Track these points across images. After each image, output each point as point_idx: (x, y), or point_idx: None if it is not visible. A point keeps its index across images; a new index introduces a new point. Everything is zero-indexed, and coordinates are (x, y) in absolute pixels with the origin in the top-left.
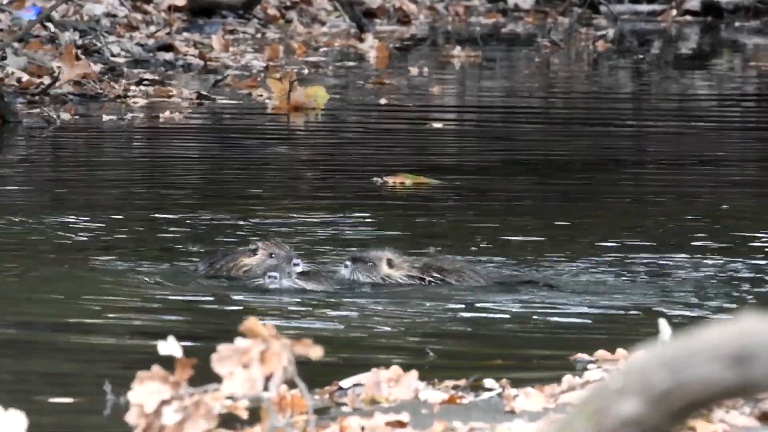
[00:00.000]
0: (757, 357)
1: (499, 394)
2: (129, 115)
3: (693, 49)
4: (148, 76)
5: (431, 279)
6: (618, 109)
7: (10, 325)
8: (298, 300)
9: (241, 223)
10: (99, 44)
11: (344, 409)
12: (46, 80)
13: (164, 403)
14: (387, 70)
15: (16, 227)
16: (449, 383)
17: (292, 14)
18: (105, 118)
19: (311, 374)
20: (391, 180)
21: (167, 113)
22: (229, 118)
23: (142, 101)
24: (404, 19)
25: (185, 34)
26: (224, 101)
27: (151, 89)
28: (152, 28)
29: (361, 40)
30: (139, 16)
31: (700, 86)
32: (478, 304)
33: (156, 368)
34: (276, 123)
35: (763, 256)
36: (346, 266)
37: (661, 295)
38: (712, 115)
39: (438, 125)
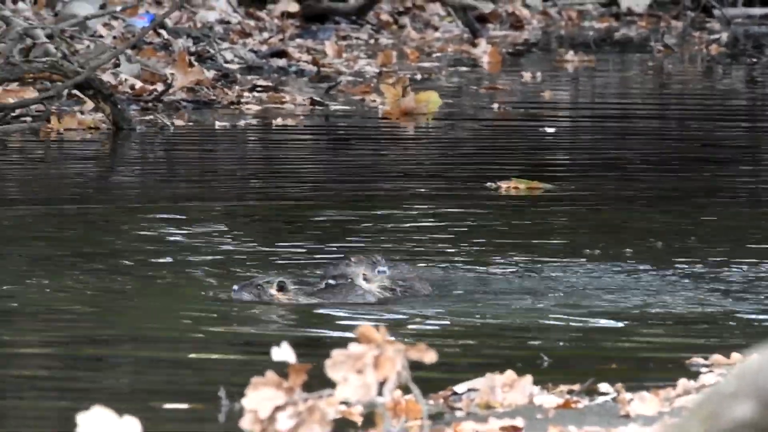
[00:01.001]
0: None
1: (614, 399)
2: (242, 122)
3: None
4: (261, 82)
5: (399, 289)
6: (732, 110)
7: (127, 334)
8: (403, 307)
9: (357, 227)
10: (212, 51)
11: (459, 414)
12: (160, 87)
13: (278, 408)
14: (500, 75)
15: (131, 235)
16: (564, 387)
17: (405, 20)
18: (217, 124)
19: (425, 379)
20: (504, 185)
21: (279, 119)
22: (341, 124)
23: (255, 107)
24: (517, 24)
25: (298, 41)
26: (337, 107)
27: (264, 95)
28: (265, 35)
29: (474, 45)
30: (252, 23)
31: None
32: (590, 309)
33: (270, 374)
34: (388, 128)
35: None
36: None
37: None
38: None
39: (551, 129)
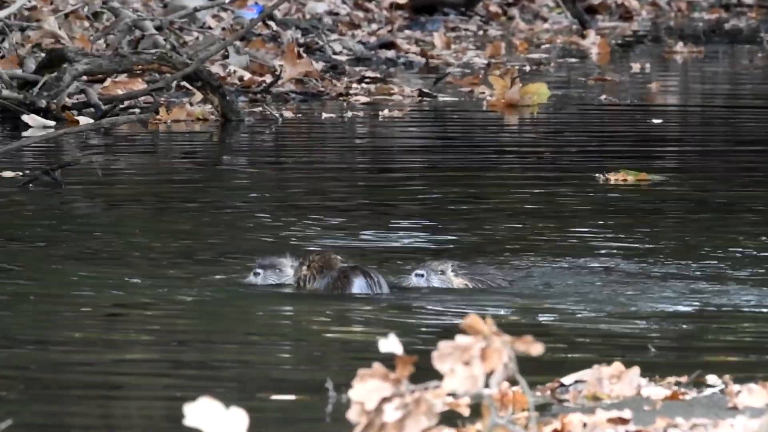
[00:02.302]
0: None
1: (722, 390)
2: (349, 113)
3: None
4: (369, 73)
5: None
6: None
7: (238, 327)
8: (504, 297)
9: (465, 218)
10: (321, 42)
11: (566, 405)
12: (268, 78)
13: (385, 400)
14: (609, 66)
15: (239, 228)
16: (671, 379)
17: (514, 11)
18: (324, 116)
19: (532, 371)
20: (613, 176)
21: (386, 111)
22: (449, 116)
23: (363, 99)
24: (626, 15)
25: (407, 32)
26: (446, 98)
27: (372, 87)
28: (374, 26)
29: (583, 37)
30: (360, 14)
31: None
32: (699, 300)
33: (377, 366)
34: (493, 120)
35: None
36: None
37: None
38: None
39: (658, 121)
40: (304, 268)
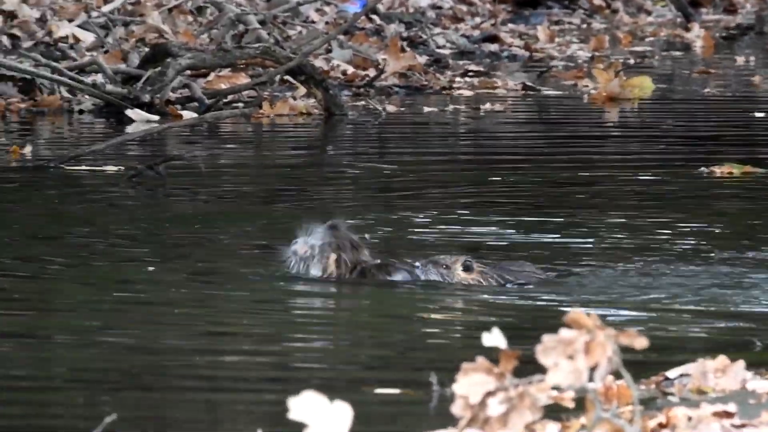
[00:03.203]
0: None
1: None
2: (451, 107)
3: None
4: (473, 67)
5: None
6: None
7: (344, 319)
8: (608, 290)
9: (576, 220)
10: (424, 36)
11: (671, 399)
12: (372, 72)
13: (489, 394)
14: (713, 59)
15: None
16: None
17: (618, 4)
18: (426, 109)
19: (636, 364)
20: (718, 170)
21: (488, 105)
22: (551, 109)
23: (467, 93)
24: (730, 8)
25: (510, 25)
26: (549, 92)
27: (476, 81)
28: (477, 20)
29: (687, 30)
30: (464, 8)
31: None
32: None
33: (481, 360)
34: (595, 113)
35: None
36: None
37: None
38: None
39: (761, 114)
40: (332, 260)
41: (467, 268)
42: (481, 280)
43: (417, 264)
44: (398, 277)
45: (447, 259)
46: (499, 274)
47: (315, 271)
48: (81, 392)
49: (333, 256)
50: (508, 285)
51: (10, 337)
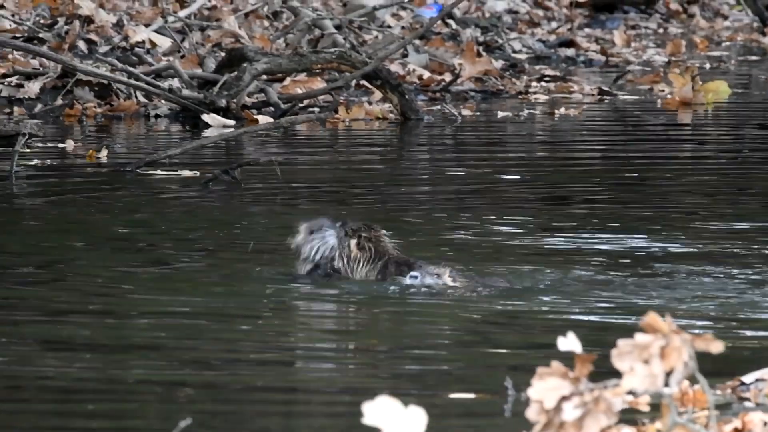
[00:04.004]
0: None
1: None
2: (525, 111)
3: None
4: (549, 72)
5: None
6: None
7: (420, 324)
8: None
9: (652, 226)
10: (500, 41)
11: (746, 404)
12: (447, 77)
13: (564, 398)
14: None
15: (418, 225)
16: None
17: (695, 9)
18: (500, 114)
19: (712, 370)
20: None
21: (562, 109)
22: (626, 114)
23: (543, 97)
24: None
25: (587, 30)
26: (625, 97)
27: (552, 85)
28: (553, 24)
29: (764, 34)
30: (540, 13)
31: None
32: None
33: (556, 364)
34: (669, 118)
35: None
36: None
37: None
38: None
39: None
40: (354, 245)
41: (454, 279)
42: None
43: (414, 274)
44: (408, 280)
45: (436, 269)
46: (483, 283)
47: (339, 263)
48: (156, 402)
49: (353, 242)
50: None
51: (85, 344)
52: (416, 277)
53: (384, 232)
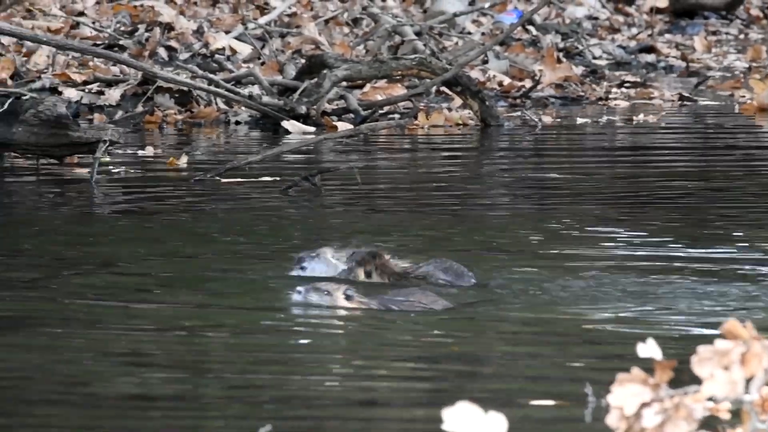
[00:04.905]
0: None
1: None
2: (605, 117)
3: None
4: (629, 78)
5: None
6: None
7: (496, 330)
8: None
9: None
10: (581, 47)
11: None
12: (528, 83)
13: (644, 405)
14: None
15: (497, 231)
16: None
17: None
18: (579, 120)
19: None
20: None
21: (641, 115)
22: (703, 119)
23: (623, 103)
24: None
25: (667, 36)
26: (706, 102)
27: (632, 91)
28: (634, 30)
29: None
30: (620, 19)
31: None
32: None
33: (636, 370)
34: (749, 124)
35: None
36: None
37: None
38: None
39: None
40: (364, 272)
41: (348, 297)
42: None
43: (299, 289)
44: (294, 296)
45: (329, 286)
46: (382, 303)
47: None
48: (238, 409)
49: (360, 270)
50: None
51: (165, 356)
52: (300, 293)
53: (388, 257)
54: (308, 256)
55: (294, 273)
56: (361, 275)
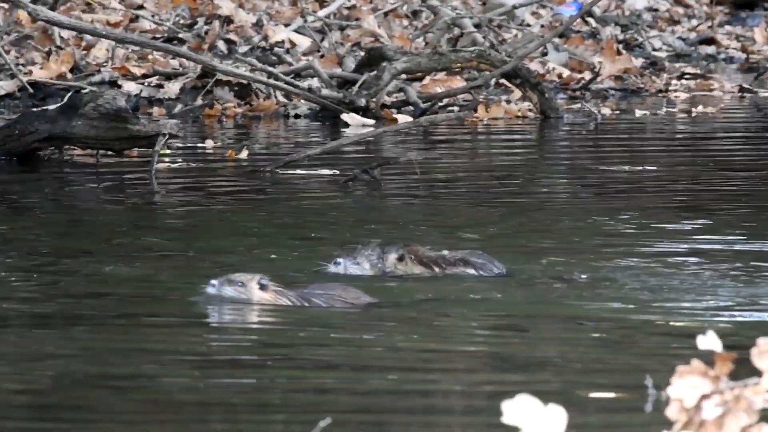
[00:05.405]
0: None
1: None
2: (664, 109)
3: None
4: (689, 70)
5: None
6: None
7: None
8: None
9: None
10: (640, 39)
11: None
12: (587, 75)
13: (704, 397)
14: None
15: (556, 222)
16: None
17: None
18: (637, 113)
19: None
20: None
21: (700, 107)
22: (766, 111)
23: (683, 95)
24: None
25: (727, 27)
26: (766, 94)
27: (692, 83)
28: (694, 22)
29: None
30: (680, 10)
31: None
32: None
33: (696, 362)
34: None
35: None
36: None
37: None
38: None
39: None
40: (396, 259)
41: (262, 287)
42: (277, 299)
43: (213, 282)
44: (208, 289)
45: (243, 277)
46: (300, 294)
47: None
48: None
49: (393, 256)
50: (306, 305)
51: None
52: (214, 286)
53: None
54: (344, 253)
55: (331, 270)
56: (394, 263)
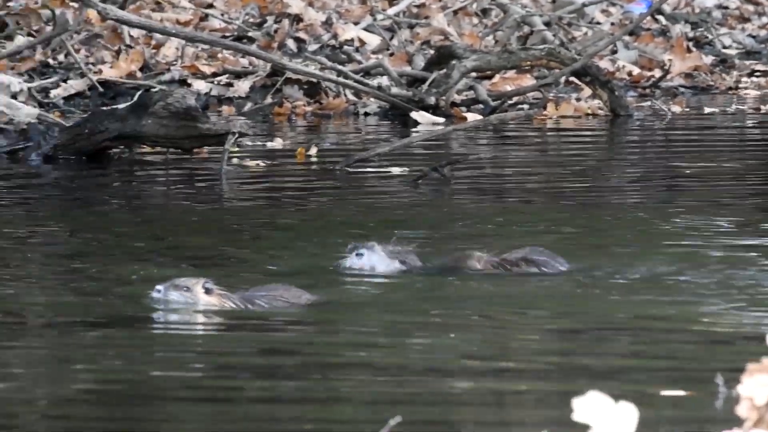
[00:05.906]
0: None
1: None
2: (734, 107)
3: None
4: (759, 67)
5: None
6: None
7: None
8: None
9: None
10: (710, 36)
11: None
12: (657, 73)
13: None
14: None
15: (627, 220)
16: None
17: None
18: (706, 110)
19: None
20: None
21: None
22: None
23: (753, 93)
24: None
25: None
26: None
27: (762, 80)
28: (764, 19)
29: None
30: (750, 8)
31: None
32: None
33: (766, 361)
34: None
35: None
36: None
37: None
38: None
39: None
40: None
41: (207, 291)
42: (223, 303)
43: (159, 287)
44: (154, 293)
45: (188, 281)
46: (244, 297)
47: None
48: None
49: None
50: (250, 307)
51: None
52: (160, 291)
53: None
54: (363, 246)
55: (348, 264)
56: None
